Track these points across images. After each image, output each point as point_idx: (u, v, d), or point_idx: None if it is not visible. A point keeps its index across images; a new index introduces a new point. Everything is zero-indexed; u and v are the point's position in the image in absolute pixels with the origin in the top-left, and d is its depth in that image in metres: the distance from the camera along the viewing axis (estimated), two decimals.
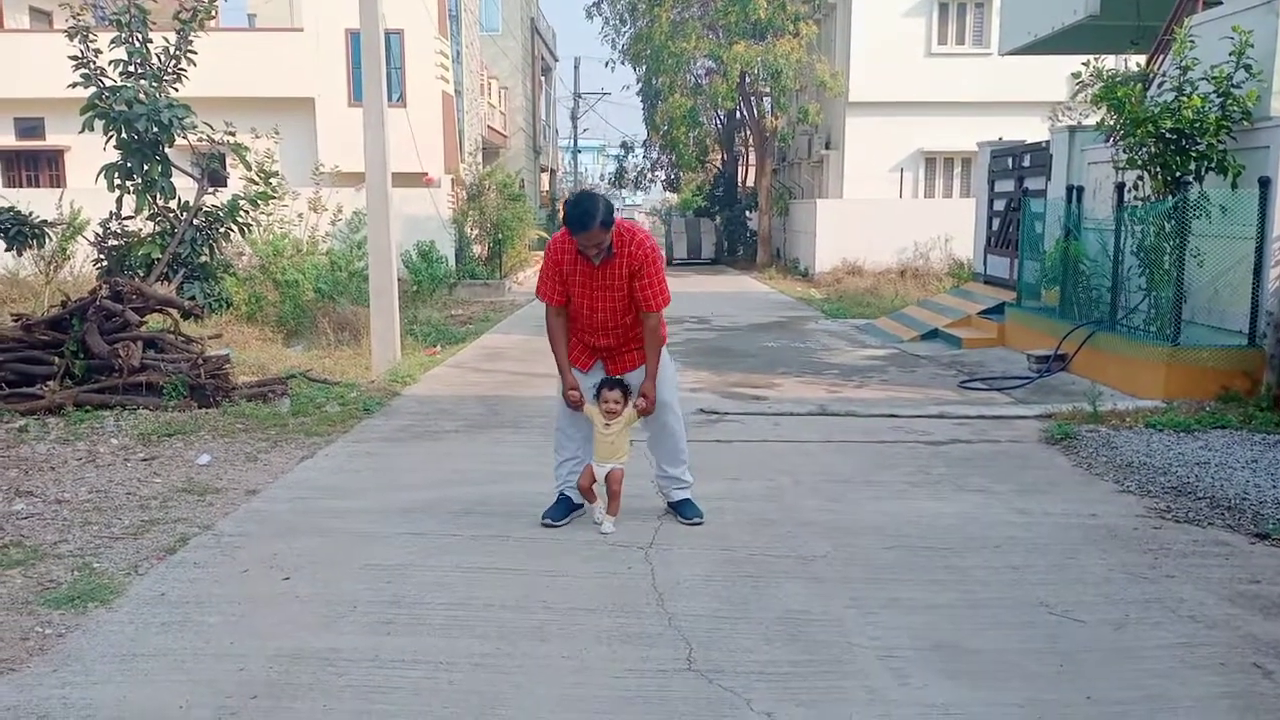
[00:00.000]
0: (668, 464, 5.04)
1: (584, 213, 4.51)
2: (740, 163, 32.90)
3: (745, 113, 26.98)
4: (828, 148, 24.18)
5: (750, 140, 29.06)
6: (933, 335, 12.16)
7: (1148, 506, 5.28)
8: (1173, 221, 7.96)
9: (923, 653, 3.53)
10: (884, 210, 21.65)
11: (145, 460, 6.14)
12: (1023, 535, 4.82)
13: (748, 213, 30.65)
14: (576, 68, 46.29)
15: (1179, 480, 5.70)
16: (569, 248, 4.70)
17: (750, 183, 30.92)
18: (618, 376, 4.86)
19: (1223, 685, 3.32)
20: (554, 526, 4.87)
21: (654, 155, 34.23)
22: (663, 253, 4.90)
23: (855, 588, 4.15)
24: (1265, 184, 7.59)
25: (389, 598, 4.02)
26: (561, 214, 4.57)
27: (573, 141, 46.68)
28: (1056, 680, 3.34)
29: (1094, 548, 4.63)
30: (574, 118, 44.75)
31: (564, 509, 4.98)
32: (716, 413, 7.71)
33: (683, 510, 5.03)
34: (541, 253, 4.95)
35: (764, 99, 25.74)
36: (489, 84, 28.30)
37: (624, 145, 38.37)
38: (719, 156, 32.53)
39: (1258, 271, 7.67)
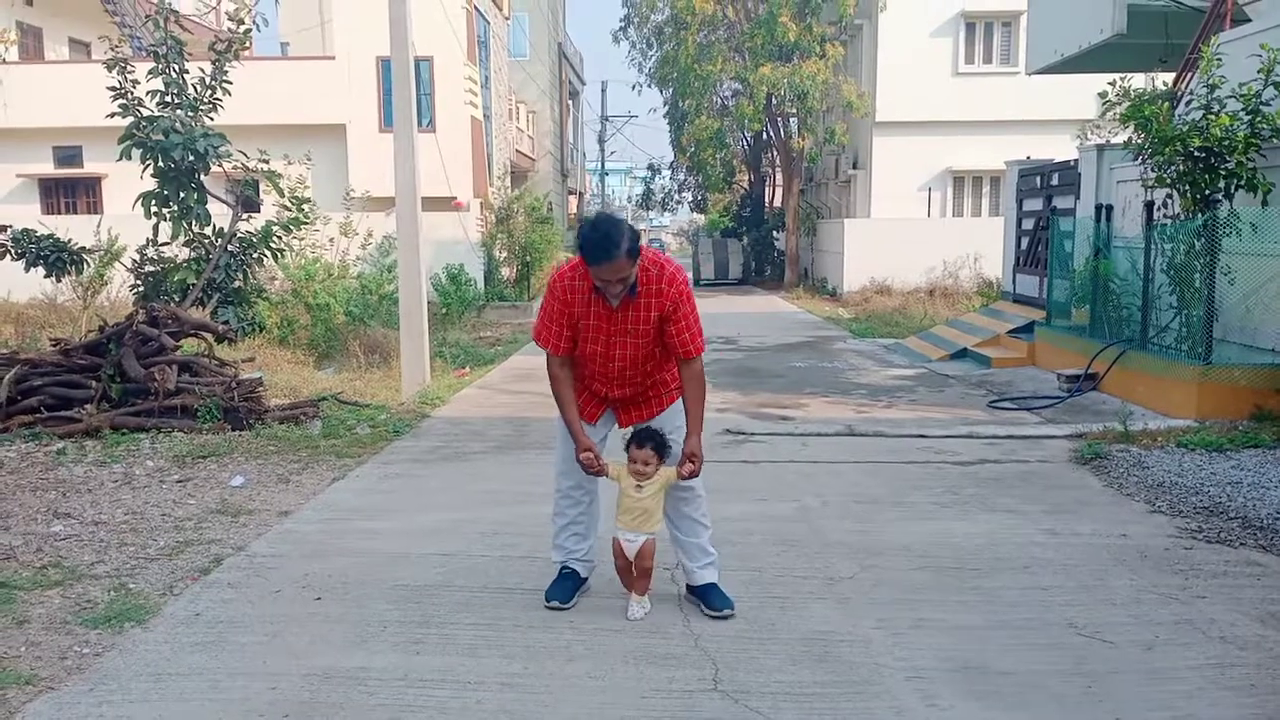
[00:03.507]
0: (688, 531, 4.13)
1: (604, 238, 3.68)
2: (767, 183, 32.93)
3: (772, 134, 27.05)
4: (855, 167, 24.18)
5: (777, 161, 29.11)
6: (962, 355, 12.10)
7: (1179, 527, 5.23)
8: (1202, 239, 7.90)
9: (950, 673, 3.53)
10: (912, 229, 21.59)
11: (180, 482, 6.25)
12: (1052, 556, 4.78)
13: (775, 233, 30.64)
14: (604, 91, 46.80)
15: (1211, 500, 5.64)
16: (581, 285, 3.87)
17: (777, 203, 30.94)
18: (647, 426, 4.03)
19: (1253, 707, 3.29)
20: (564, 609, 4.09)
21: (681, 177, 34.37)
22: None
23: (882, 608, 4.14)
24: None
25: (418, 618, 4.06)
26: (576, 242, 3.84)
27: (600, 164, 46.99)
28: (1084, 701, 3.32)
29: (1124, 568, 4.60)
30: (601, 141, 45.09)
31: (571, 586, 4.19)
32: (744, 433, 7.72)
33: (710, 598, 4.08)
34: None
35: (790, 120, 25.80)
36: (517, 108, 28.61)
37: (651, 167, 38.58)
38: (746, 177, 32.59)
39: None
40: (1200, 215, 8.02)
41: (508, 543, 5.01)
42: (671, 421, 4.06)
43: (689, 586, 4.18)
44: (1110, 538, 5.06)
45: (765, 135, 28.04)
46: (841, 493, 5.99)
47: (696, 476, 3.97)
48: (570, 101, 37.74)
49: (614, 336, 3.92)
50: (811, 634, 3.87)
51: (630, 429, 4.11)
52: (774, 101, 24.41)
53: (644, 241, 3.95)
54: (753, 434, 7.71)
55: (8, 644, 3.81)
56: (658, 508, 3.94)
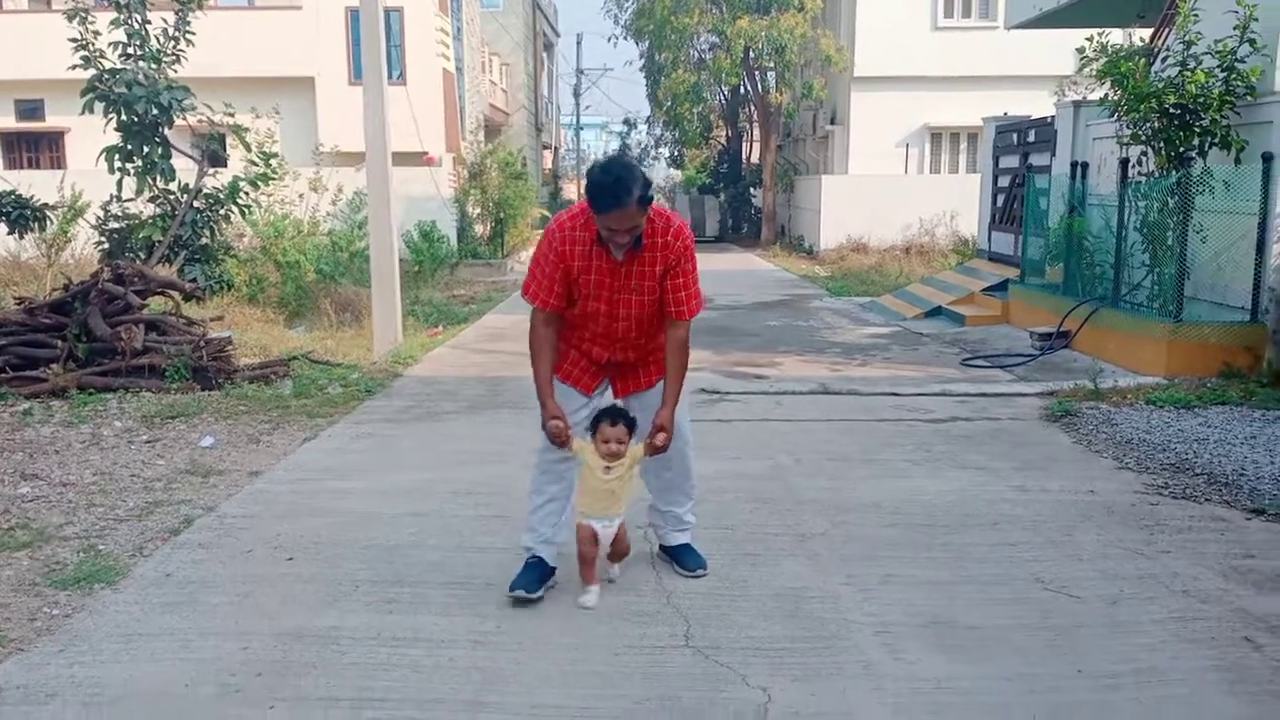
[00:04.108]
0: (669, 501, 4.02)
1: (616, 183, 3.37)
2: (745, 139, 32.75)
3: (749, 88, 26.85)
4: (833, 123, 24.05)
5: (755, 116, 28.92)
6: (936, 313, 12.15)
7: (1146, 483, 5.30)
8: (1176, 197, 7.94)
9: (917, 628, 3.57)
10: (889, 186, 21.56)
11: (149, 442, 6.19)
12: (1020, 512, 4.84)
13: (752, 189, 30.55)
14: (579, 44, 46.17)
15: (1178, 457, 5.72)
16: (583, 235, 3.57)
17: (755, 159, 30.79)
18: (618, 405, 3.78)
19: (1213, 659, 3.35)
20: (531, 599, 3.73)
21: (657, 132, 34.11)
22: None
23: (853, 565, 4.18)
24: (1269, 159, 7.54)
25: (390, 577, 4.06)
26: (584, 187, 3.50)
27: (575, 119, 46.50)
28: (1048, 654, 3.38)
29: (1091, 524, 4.66)
30: (576, 94, 44.55)
31: (538, 575, 3.82)
32: (718, 392, 7.73)
33: (683, 558, 4.02)
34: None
35: (768, 74, 25.61)
36: (490, 61, 28.18)
37: (627, 122, 38.28)
38: (723, 133, 32.40)
39: (1260, 247, 7.64)
40: (1174, 173, 8.04)
41: (481, 502, 5.01)
42: (658, 398, 3.75)
43: (662, 546, 4.13)
44: (1078, 494, 5.12)
45: (743, 90, 27.84)
46: (814, 450, 6.02)
47: (664, 451, 3.68)
48: (545, 54, 37.21)
49: (618, 294, 3.63)
50: (782, 590, 3.90)
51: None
52: (751, 55, 24.17)
53: None
54: (727, 393, 7.73)
55: None
56: (625, 489, 3.67)
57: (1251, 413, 6.71)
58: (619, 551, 3.82)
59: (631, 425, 3.63)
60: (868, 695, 3.11)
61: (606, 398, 3.92)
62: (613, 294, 3.63)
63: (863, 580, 4.01)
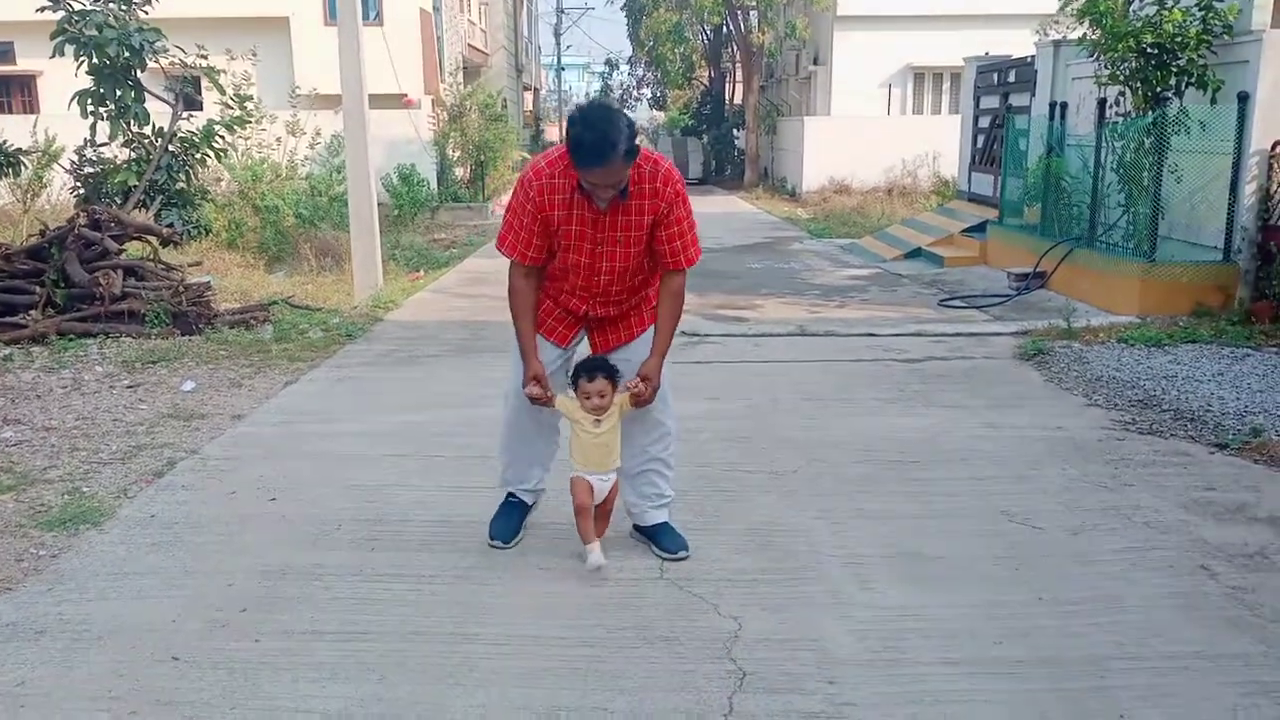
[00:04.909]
0: (645, 470, 3.69)
1: (601, 139, 3.09)
2: (728, 80, 32.44)
3: (732, 28, 26.52)
4: (815, 63, 23.84)
5: (737, 56, 28.62)
6: (915, 254, 12.21)
7: (1113, 419, 5.42)
8: (1151, 137, 7.97)
9: (886, 560, 3.68)
10: (872, 128, 21.46)
11: (130, 387, 6.22)
12: (989, 448, 4.95)
13: (735, 131, 30.31)
14: None
15: (1145, 393, 5.84)
16: (562, 184, 3.30)
17: (738, 100, 30.52)
18: (600, 357, 3.56)
19: (1170, 586, 3.48)
20: (505, 548, 3.73)
21: (640, 72, 33.78)
22: None
23: (825, 500, 4.29)
24: (1244, 99, 7.58)
25: (373, 516, 4.13)
26: (565, 138, 3.23)
27: (556, 59, 45.83)
28: (1012, 583, 3.50)
29: (1057, 459, 4.78)
30: (557, 34, 43.87)
31: (515, 517, 3.79)
32: (698, 335, 7.79)
33: (662, 539, 3.70)
34: None
35: (750, 13, 25.27)
36: (468, 0, 27.66)
37: (609, 62, 37.82)
38: (706, 73, 32.05)
39: (1234, 187, 7.71)
40: (1150, 113, 8.06)
41: (462, 443, 5.07)
42: (644, 350, 3.54)
43: (637, 526, 3.78)
44: (1047, 430, 5.24)
45: (725, 29, 27.50)
46: (791, 391, 6.11)
47: (650, 401, 3.48)
48: None
49: (600, 245, 3.37)
50: (755, 525, 4.01)
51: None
52: None
53: None
54: (707, 335, 7.79)
55: None
56: (617, 439, 3.52)
57: (1220, 350, 6.83)
58: (606, 511, 3.60)
59: (612, 374, 3.45)
60: (835, 623, 3.22)
61: (583, 349, 3.73)
62: (595, 246, 3.38)
63: (834, 515, 4.12)
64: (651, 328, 3.57)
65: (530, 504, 3.88)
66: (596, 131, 3.09)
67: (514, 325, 3.53)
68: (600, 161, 3.11)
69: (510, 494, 3.86)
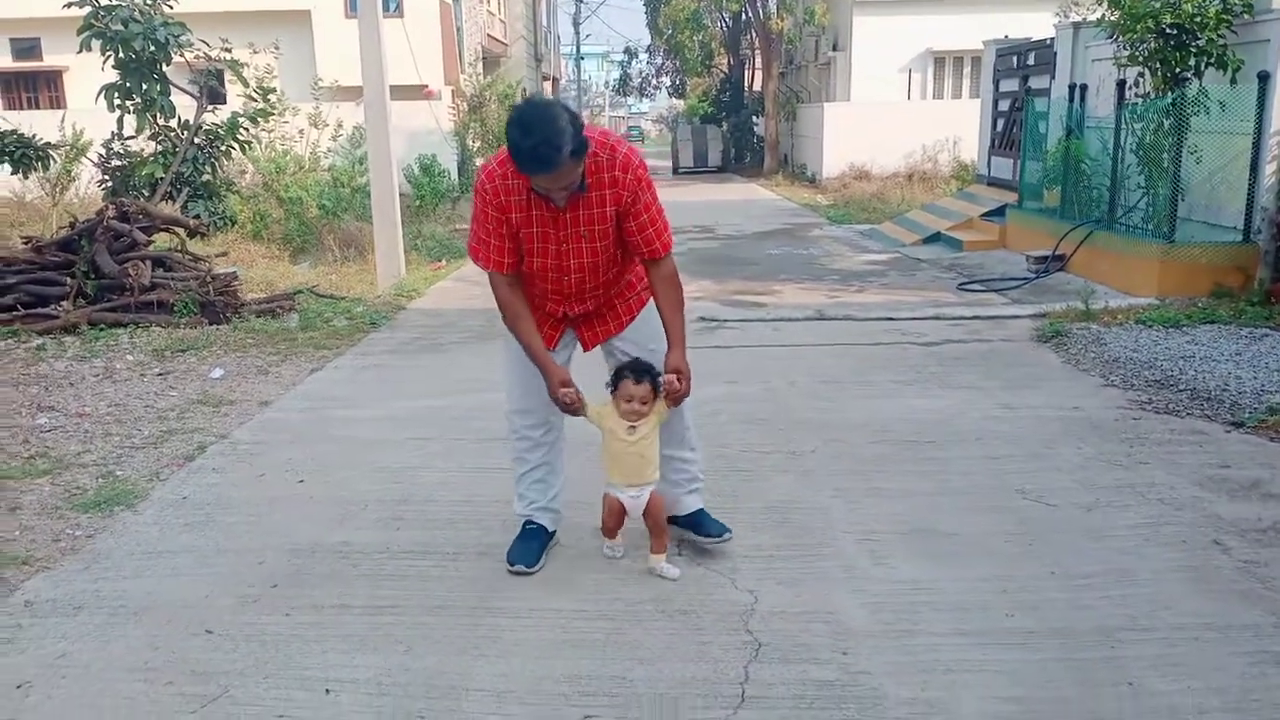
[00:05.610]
0: (674, 446, 3.54)
1: (543, 144, 2.87)
2: (747, 67, 32.32)
3: (751, 14, 26.45)
4: (835, 49, 23.73)
5: (756, 43, 28.54)
6: (935, 239, 12.20)
7: (1130, 399, 5.44)
8: (1171, 118, 7.94)
9: (900, 536, 3.74)
10: (892, 113, 21.35)
11: (160, 375, 6.36)
12: (1006, 429, 4.99)
13: (755, 118, 30.24)
14: None
15: (1163, 374, 5.85)
16: (516, 185, 3.12)
17: (757, 87, 30.44)
18: (636, 359, 3.36)
19: (1182, 560, 3.52)
20: (529, 573, 3.46)
21: (659, 61, 33.72)
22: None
23: (841, 479, 4.35)
24: (1264, 79, 7.53)
25: (398, 497, 4.24)
26: (505, 143, 3.01)
27: (575, 48, 45.83)
28: (1024, 558, 3.55)
29: (1073, 438, 4.81)
30: (576, 23, 43.89)
31: (537, 543, 3.55)
32: (717, 320, 7.85)
33: (705, 525, 3.59)
34: None
35: (769, 0, 25.20)
36: None
37: (628, 51, 37.75)
38: (725, 61, 31.96)
39: (1254, 167, 7.67)
40: (1170, 94, 8.03)
41: (484, 427, 5.15)
42: (647, 328, 3.42)
43: (672, 518, 3.60)
44: (1063, 410, 5.27)
45: (744, 16, 27.42)
46: (809, 374, 6.16)
47: (685, 395, 3.32)
48: None
49: (565, 244, 3.21)
50: (772, 503, 4.08)
51: (609, 360, 3.53)
52: None
53: (610, 127, 3.42)
54: (725, 321, 7.85)
55: (2, 529, 3.96)
56: (654, 449, 3.37)
57: (1239, 331, 6.82)
58: (658, 525, 3.42)
59: (656, 383, 3.29)
60: (849, 596, 3.29)
61: (579, 351, 3.59)
62: (559, 245, 3.21)
63: (850, 493, 4.18)
64: (641, 312, 3.47)
65: (551, 530, 3.65)
66: (536, 136, 2.87)
67: (517, 339, 3.35)
68: (546, 168, 2.93)
69: (528, 521, 3.62)
